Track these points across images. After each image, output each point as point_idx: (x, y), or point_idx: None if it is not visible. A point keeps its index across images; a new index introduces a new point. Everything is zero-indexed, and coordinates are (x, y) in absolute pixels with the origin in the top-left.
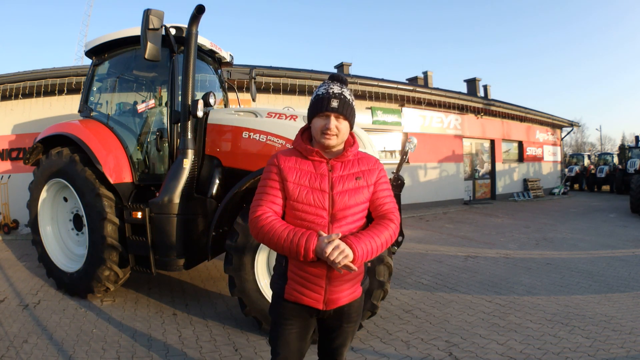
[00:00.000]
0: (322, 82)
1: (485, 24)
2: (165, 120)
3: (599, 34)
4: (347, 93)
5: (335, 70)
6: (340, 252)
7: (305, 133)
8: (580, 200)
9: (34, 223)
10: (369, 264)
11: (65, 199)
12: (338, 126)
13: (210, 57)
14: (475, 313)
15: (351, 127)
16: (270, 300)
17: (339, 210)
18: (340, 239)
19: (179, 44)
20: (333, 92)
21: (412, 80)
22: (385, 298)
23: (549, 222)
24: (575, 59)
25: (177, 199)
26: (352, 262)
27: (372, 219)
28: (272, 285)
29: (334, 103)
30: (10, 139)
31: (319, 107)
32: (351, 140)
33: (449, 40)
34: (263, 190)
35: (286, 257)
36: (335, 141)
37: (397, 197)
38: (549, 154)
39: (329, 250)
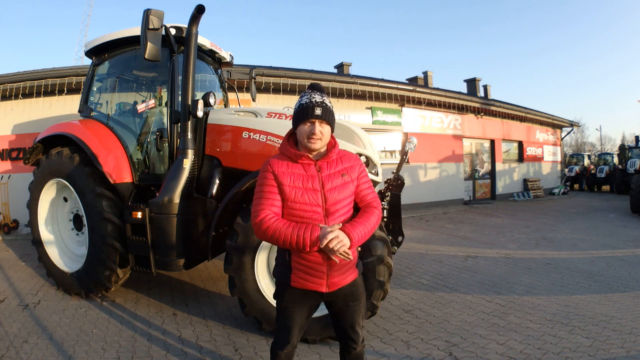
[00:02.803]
0: (303, 92)
1: (486, 24)
2: (165, 120)
3: (599, 34)
4: (327, 101)
5: (335, 71)
6: (339, 242)
7: (291, 138)
8: (580, 200)
9: (34, 223)
10: (359, 248)
11: (65, 199)
12: (322, 131)
13: (210, 57)
14: (475, 313)
15: (332, 130)
16: (270, 300)
17: (331, 205)
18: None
19: (179, 44)
20: (316, 100)
21: (412, 80)
22: (385, 298)
23: (549, 222)
24: (575, 59)
25: (177, 199)
26: (350, 246)
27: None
28: (278, 276)
29: (318, 111)
30: (10, 139)
31: (305, 115)
32: (332, 142)
33: (449, 40)
34: (262, 195)
35: (289, 250)
36: (320, 144)
37: (397, 197)
38: (549, 154)
39: (328, 239)
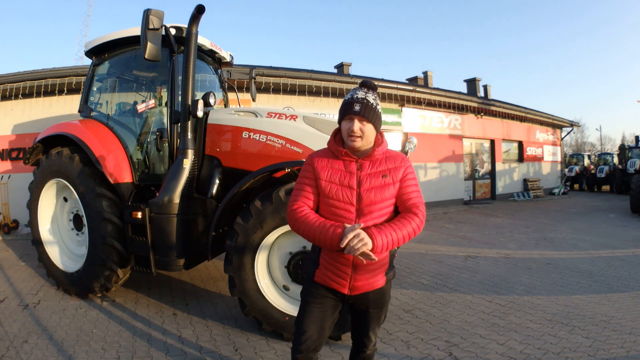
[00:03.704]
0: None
1: (486, 24)
2: (165, 120)
3: (599, 32)
4: (370, 98)
5: (335, 71)
6: (360, 240)
7: (338, 135)
8: (580, 200)
9: (34, 223)
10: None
11: (65, 199)
12: (362, 128)
13: (210, 57)
14: (475, 313)
15: (376, 129)
16: (270, 300)
17: (365, 206)
18: (363, 229)
19: (179, 44)
20: (357, 97)
21: (412, 80)
22: None
23: (549, 222)
24: (575, 58)
25: (177, 199)
26: (372, 251)
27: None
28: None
29: (357, 107)
30: (10, 139)
31: (344, 111)
32: (379, 140)
33: (449, 40)
34: (299, 187)
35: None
36: (360, 143)
37: None
38: (549, 154)
39: (349, 237)
